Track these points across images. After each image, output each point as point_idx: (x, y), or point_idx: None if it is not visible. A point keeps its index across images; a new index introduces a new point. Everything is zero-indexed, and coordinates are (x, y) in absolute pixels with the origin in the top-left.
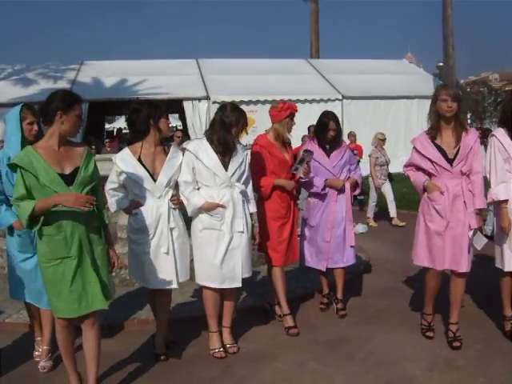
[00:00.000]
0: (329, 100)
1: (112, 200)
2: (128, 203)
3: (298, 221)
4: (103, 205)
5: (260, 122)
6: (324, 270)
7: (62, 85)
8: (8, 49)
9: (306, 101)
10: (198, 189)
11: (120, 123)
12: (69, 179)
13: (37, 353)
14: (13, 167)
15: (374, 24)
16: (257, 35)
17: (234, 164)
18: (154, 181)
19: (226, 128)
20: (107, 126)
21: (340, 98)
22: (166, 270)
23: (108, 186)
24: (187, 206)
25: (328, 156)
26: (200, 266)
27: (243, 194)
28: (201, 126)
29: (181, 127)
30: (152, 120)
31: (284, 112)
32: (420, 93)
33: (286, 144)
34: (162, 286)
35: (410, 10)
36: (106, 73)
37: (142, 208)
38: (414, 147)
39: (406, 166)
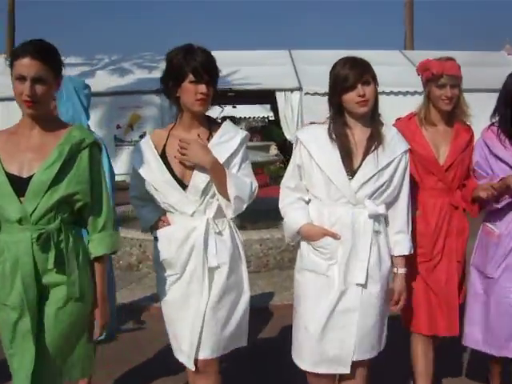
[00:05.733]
0: (423, 92)
1: (138, 213)
2: (156, 218)
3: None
4: (103, 224)
5: None
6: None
7: (157, 75)
8: (105, 39)
9: (399, 93)
10: (309, 202)
11: (212, 113)
12: (26, 185)
13: None
14: None
15: (472, 13)
16: (349, 26)
17: (368, 168)
18: (184, 187)
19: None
20: None
21: None
22: (185, 333)
23: (130, 191)
24: (284, 226)
25: None
26: (294, 330)
27: (377, 219)
28: (293, 117)
29: (272, 118)
30: (173, 85)
31: (424, 74)
32: None
33: (452, 128)
34: (178, 356)
35: None
36: None
37: (166, 230)
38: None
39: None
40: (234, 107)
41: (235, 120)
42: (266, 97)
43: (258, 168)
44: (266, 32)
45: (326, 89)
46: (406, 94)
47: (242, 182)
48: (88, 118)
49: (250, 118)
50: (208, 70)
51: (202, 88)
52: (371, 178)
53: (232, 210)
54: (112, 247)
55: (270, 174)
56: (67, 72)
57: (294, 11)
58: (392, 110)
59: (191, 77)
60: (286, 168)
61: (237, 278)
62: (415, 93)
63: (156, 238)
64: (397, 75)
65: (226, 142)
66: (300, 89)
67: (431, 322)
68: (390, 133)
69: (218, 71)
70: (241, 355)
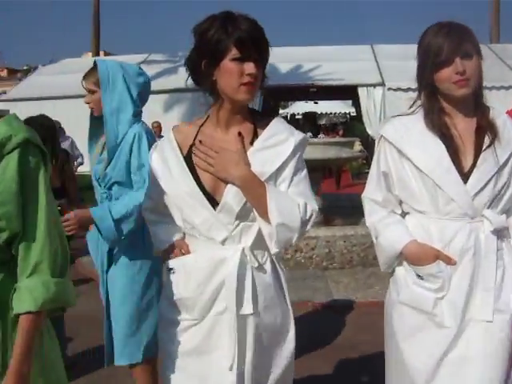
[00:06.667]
0: (510, 87)
1: (151, 231)
2: (172, 242)
3: None
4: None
5: None
6: None
7: None
8: (188, 36)
9: (485, 88)
10: (404, 216)
11: (294, 109)
12: None
13: None
14: None
15: None
16: (432, 18)
17: (485, 168)
18: (214, 204)
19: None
20: (281, 111)
21: None
22: None
23: (143, 201)
24: (377, 248)
25: None
26: (389, 379)
27: (500, 234)
28: (375, 112)
29: (354, 114)
30: (208, 64)
31: None
32: None
33: None
34: None
35: None
36: (281, 59)
37: (184, 260)
38: None
39: None
40: (316, 103)
41: (316, 116)
42: (347, 92)
43: (342, 165)
44: (348, 27)
45: (409, 84)
46: (491, 88)
47: (290, 205)
48: (136, 108)
49: (330, 113)
50: (257, 44)
51: (250, 67)
52: (490, 179)
53: (275, 242)
54: (44, 302)
55: (352, 171)
56: (150, 69)
57: (375, 6)
58: None
59: (235, 52)
60: (368, 164)
61: (279, 327)
62: (501, 87)
63: (170, 269)
64: (483, 69)
65: (274, 147)
66: (383, 84)
67: None
68: (499, 119)
69: (268, 47)
70: (326, 352)
